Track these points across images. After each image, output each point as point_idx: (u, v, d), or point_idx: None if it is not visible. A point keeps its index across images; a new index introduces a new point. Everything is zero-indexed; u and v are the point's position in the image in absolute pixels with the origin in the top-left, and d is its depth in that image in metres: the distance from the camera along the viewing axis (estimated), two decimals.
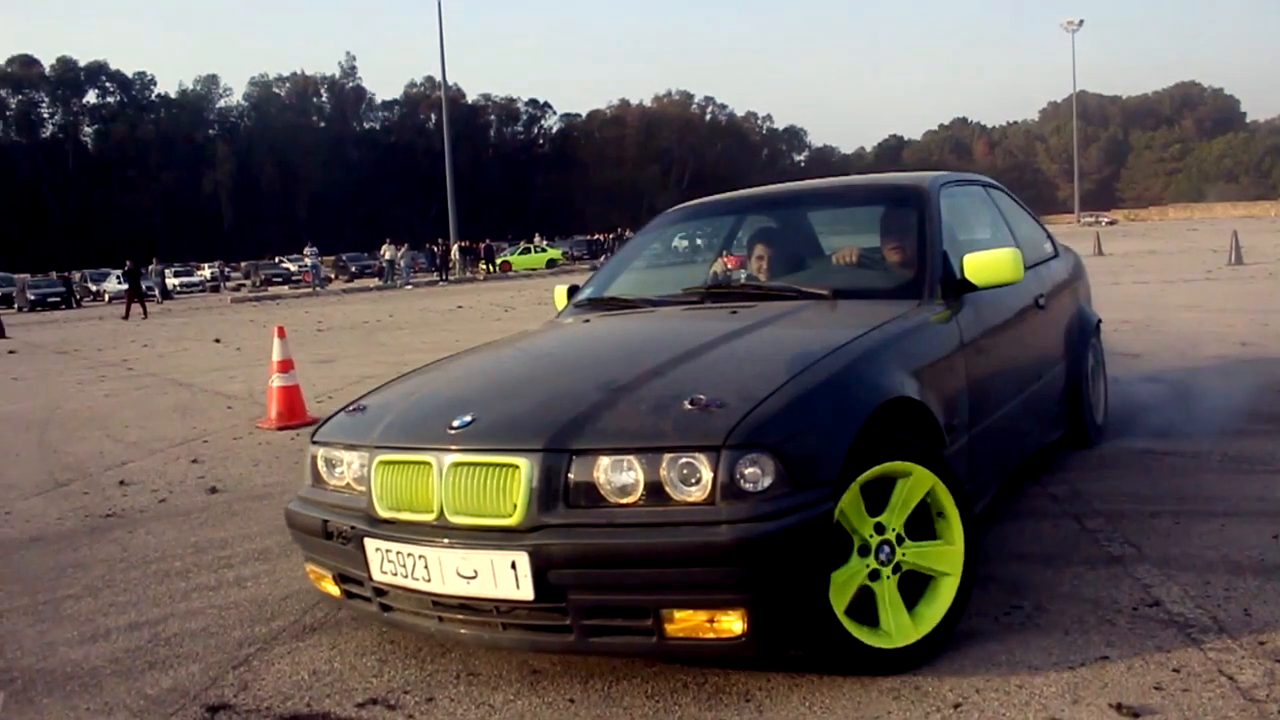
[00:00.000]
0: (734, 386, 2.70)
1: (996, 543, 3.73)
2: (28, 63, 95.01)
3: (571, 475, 2.56)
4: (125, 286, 30.25)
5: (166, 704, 2.88)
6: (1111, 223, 78.34)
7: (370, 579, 2.82)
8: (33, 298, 42.00)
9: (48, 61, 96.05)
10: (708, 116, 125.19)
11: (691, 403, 2.60)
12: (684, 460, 2.49)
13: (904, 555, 2.77)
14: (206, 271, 54.86)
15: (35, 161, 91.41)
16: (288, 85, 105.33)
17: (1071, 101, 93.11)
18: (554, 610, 2.55)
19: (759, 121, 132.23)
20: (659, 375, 2.87)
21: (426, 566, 2.64)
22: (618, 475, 2.53)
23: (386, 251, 41.80)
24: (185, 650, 3.28)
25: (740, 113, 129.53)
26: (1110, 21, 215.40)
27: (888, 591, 2.74)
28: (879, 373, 2.93)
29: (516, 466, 2.58)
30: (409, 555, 2.68)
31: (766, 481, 2.46)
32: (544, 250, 53.24)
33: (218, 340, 17.13)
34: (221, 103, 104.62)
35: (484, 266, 46.45)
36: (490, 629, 2.68)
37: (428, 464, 2.71)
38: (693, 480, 2.48)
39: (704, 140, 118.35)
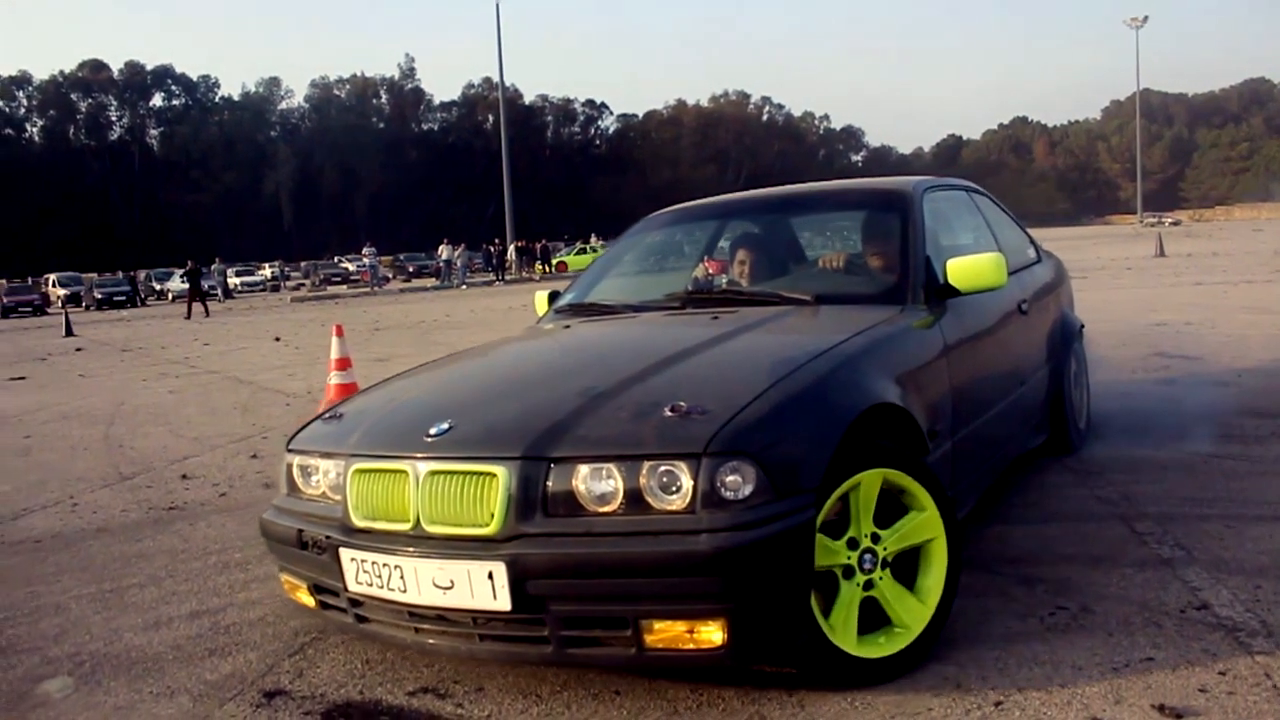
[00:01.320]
0: (715, 393, 2.67)
1: (1044, 544, 3.73)
2: (97, 67, 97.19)
3: (550, 484, 2.52)
4: (187, 286, 30.78)
5: (225, 689, 2.97)
6: (1175, 223, 77.00)
7: (345, 590, 2.78)
8: (99, 296, 42.97)
9: (116, 66, 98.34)
10: (764, 116, 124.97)
11: (672, 410, 2.57)
12: (664, 468, 2.46)
13: (886, 549, 2.74)
14: (267, 271, 55.55)
15: (104, 163, 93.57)
16: (347, 87, 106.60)
17: (1135, 99, 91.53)
18: (532, 621, 2.52)
19: (816, 121, 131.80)
20: (639, 382, 2.83)
21: (402, 577, 2.61)
22: (597, 484, 2.50)
23: (443, 251, 42.14)
24: (243, 638, 3.38)
25: (797, 112, 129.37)
26: (1176, 17, 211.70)
27: (888, 589, 2.73)
28: (862, 379, 2.91)
29: (494, 475, 2.54)
30: (385, 565, 2.64)
31: (748, 489, 2.43)
32: (599, 250, 53.42)
33: (277, 339, 17.43)
34: (283, 104, 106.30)
35: (540, 266, 46.70)
36: (467, 640, 2.64)
37: (404, 472, 2.67)
38: (673, 488, 2.45)
39: (760, 140, 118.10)
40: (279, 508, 3.09)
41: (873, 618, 2.73)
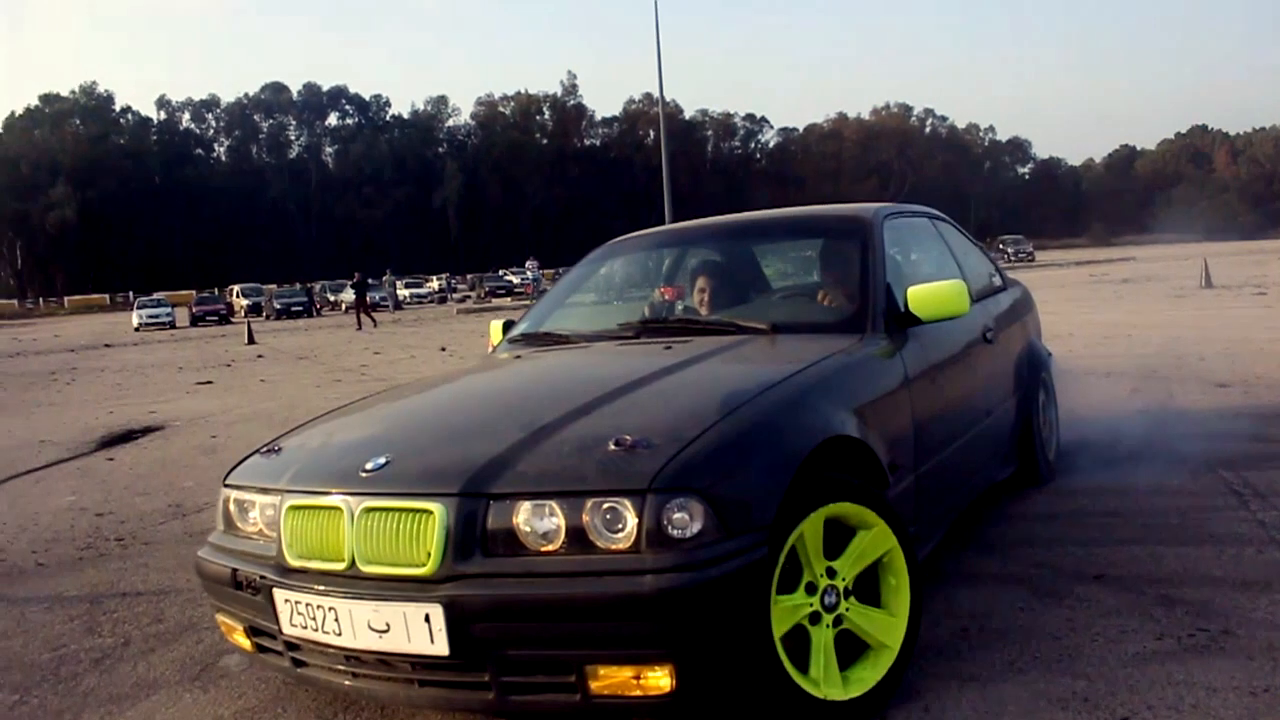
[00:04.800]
0: (663, 426, 2.56)
1: (1190, 565, 3.66)
2: (278, 89, 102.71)
3: (489, 522, 2.40)
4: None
5: None
6: None
7: (281, 632, 2.65)
8: (279, 307, 45.18)
9: (295, 87, 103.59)
10: (927, 129, 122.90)
11: (617, 443, 2.46)
12: (608, 505, 2.35)
13: (847, 611, 2.64)
14: (434, 283, 57.39)
15: (283, 180, 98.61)
16: (512, 104, 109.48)
17: None
18: (472, 666, 2.40)
19: (981, 133, 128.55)
20: (585, 414, 2.72)
21: (337, 619, 2.48)
22: (538, 521, 2.38)
23: None
24: None
25: (961, 124, 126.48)
26: None
27: (823, 641, 2.59)
28: (818, 410, 2.81)
29: (430, 512, 2.42)
30: (319, 607, 2.52)
31: (696, 527, 2.32)
32: None
33: (443, 348, 17.87)
34: (450, 122, 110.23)
35: None
36: (405, 686, 2.52)
37: (339, 509, 2.55)
38: (617, 526, 2.34)
39: (923, 153, 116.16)
40: (215, 545, 2.95)
41: (849, 650, 2.65)
